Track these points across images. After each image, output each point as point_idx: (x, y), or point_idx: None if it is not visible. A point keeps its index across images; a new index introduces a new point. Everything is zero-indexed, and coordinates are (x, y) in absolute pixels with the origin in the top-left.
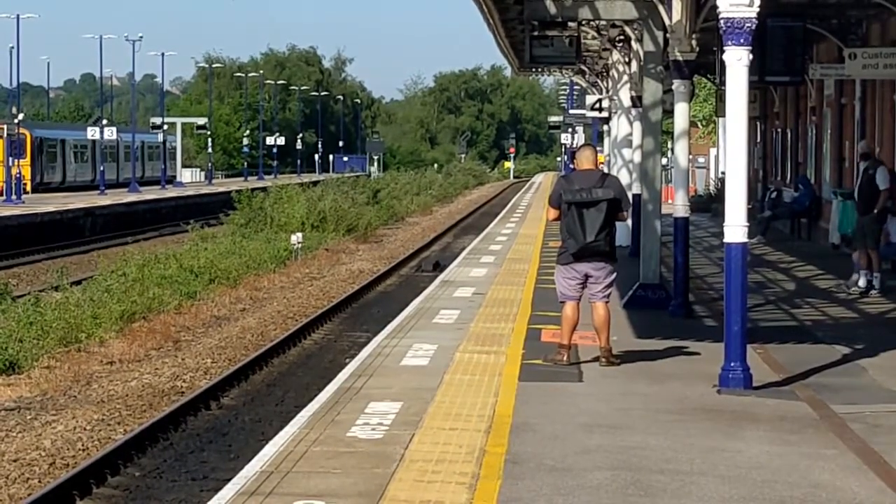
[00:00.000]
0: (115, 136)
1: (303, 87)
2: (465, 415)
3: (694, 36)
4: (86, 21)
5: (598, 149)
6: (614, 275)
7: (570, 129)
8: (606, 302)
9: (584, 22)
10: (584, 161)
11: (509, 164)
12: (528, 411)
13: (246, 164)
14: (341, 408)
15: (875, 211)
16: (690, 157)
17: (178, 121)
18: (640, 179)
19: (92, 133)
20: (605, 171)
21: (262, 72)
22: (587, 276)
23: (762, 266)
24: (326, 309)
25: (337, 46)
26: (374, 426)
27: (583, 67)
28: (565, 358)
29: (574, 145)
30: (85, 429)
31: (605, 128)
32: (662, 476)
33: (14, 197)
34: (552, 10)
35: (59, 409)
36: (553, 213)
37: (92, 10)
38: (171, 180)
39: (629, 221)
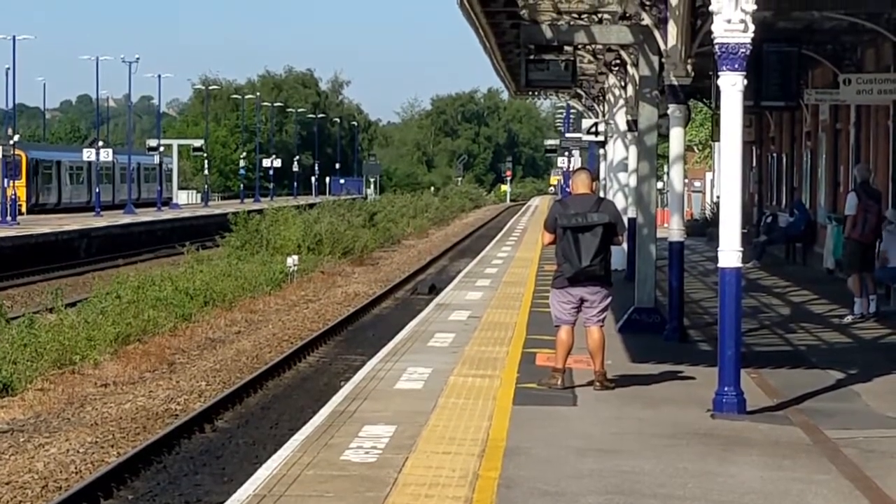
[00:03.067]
0: (111, 158)
1: (300, 110)
2: (459, 438)
3: (689, 60)
4: (82, 42)
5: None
6: (609, 299)
7: (566, 153)
8: (601, 326)
9: (579, 46)
10: (579, 185)
11: (506, 188)
12: (522, 435)
13: (242, 186)
14: (335, 431)
15: (845, 237)
16: (686, 181)
17: (175, 142)
18: (636, 203)
19: (88, 154)
20: (601, 195)
21: (258, 94)
22: (582, 301)
23: (757, 290)
24: (322, 332)
25: (334, 69)
26: (368, 449)
27: (579, 91)
28: (559, 382)
29: (570, 169)
30: (78, 451)
31: (602, 151)
32: (655, 500)
33: (9, 218)
34: (548, 34)
35: (53, 431)
36: (548, 238)
37: (88, 32)
38: (168, 202)
39: (624, 245)
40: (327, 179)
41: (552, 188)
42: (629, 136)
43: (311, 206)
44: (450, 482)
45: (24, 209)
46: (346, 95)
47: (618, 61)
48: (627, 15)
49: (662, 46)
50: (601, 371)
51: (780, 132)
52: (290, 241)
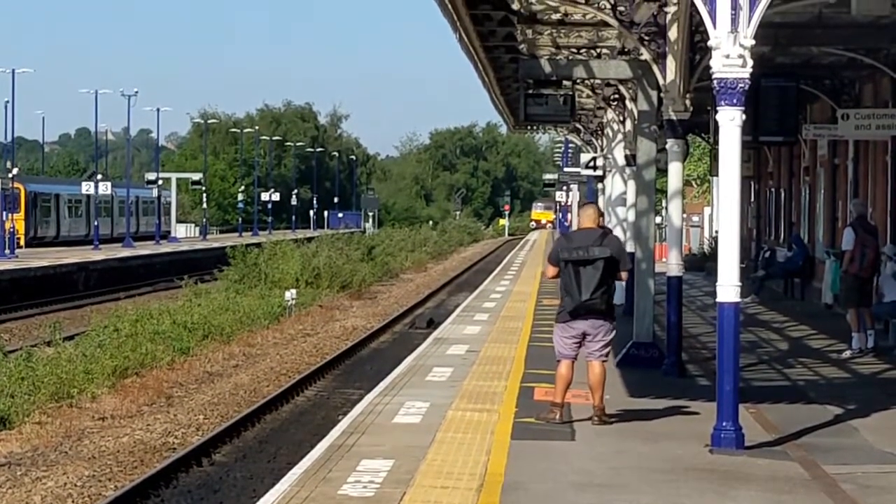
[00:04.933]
0: (109, 191)
1: (298, 143)
2: (457, 473)
3: (688, 95)
4: (81, 76)
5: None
6: (612, 334)
7: (564, 187)
8: (603, 361)
9: (578, 80)
10: (585, 219)
11: (504, 222)
12: (520, 470)
13: (241, 219)
14: (333, 465)
15: (843, 271)
16: (685, 215)
17: (173, 176)
18: (634, 238)
19: (86, 188)
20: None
21: (257, 127)
22: (584, 335)
23: (755, 325)
24: (319, 366)
25: (333, 103)
26: (366, 484)
27: (577, 125)
28: (558, 416)
29: (567, 203)
30: (76, 485)
31: (600, 186)
32: None
33: (7, 251)
34: (547, 68)
35: (50, 464)
36: (552, 271)
37: (87, 66)
38: (166, 235)
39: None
40: (326, 213)
41: (534, 224)
42: (627, 170)
43: (310, 239)
44: None
45: (22, 242)
46: (345, 129)
47: (616, 96)
48: (626, 50)
49: (661, 81)
50: (600, 406)
51: (779, 167)
52: (289, 275)
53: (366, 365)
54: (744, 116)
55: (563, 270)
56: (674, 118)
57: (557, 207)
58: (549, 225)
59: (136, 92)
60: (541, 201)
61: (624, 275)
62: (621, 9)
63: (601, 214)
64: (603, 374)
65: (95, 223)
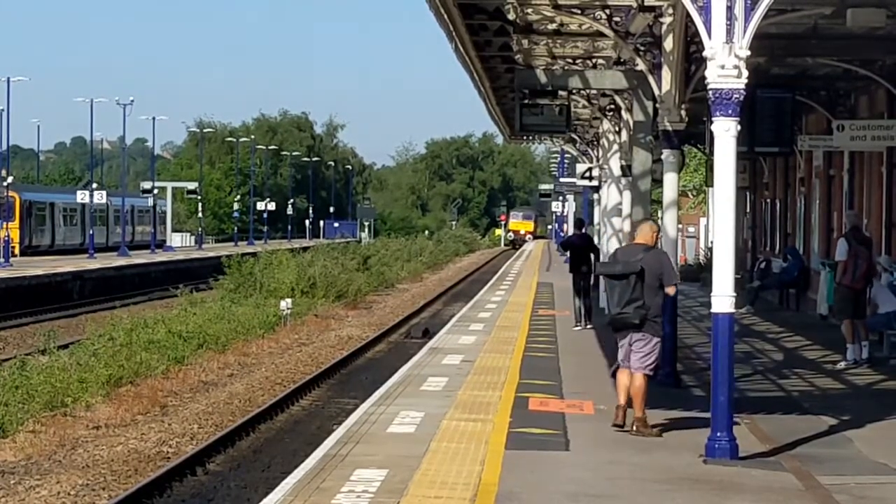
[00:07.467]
0: (104, 200)
1: (294, 153)
2: (451, 483)
3: (683, 106)
4: (77, 84)
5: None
6: (650, 345)
7: (560, 198)
8: (642, 373)
9: (574, 91)
10: (638, 235)
11: (500, 232)
12: (514, 480)
13: (236, 228)
14: (327, 475)
15: (836, 283)
16: (680, 226)
17: (169, 185)
18: None
19: (82, 196)
20: (656, 246)
21: (253, 137)
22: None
23: (750, 336)
24: (315, 375)
25: (329, 112)
26: (360, 493)
27: (573, 136)
28: (618, 417)
29: (563, 214)
30: (69, 494)
31: (596, 196)
32: None
33: (2, 260)
34: (542, 78)
35: (44, 473)
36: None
37: (83, 74)
38: (162, 244)
39: None
40: (321, 223)
41: (511, 235)
42: (623, 181)
43: (306, 249)
44: None
45: (17, 251)
46: (341, 139)
47: (612, 106)
48: (622, 60)
49: (657, 92)
50: (639, 417)
51: (774, 178)
52: (284, 285)
53: (361, 374)
54: (739, 127)
55: None
56: (669, 129)
57: (554, 217)
58: (530, 236)
59: (132, 101)
60: (519, 210)
61: (670, 290)
62: (617, 19)
63: (655, 231)
64: (641, 387)
65: (91, 232)
